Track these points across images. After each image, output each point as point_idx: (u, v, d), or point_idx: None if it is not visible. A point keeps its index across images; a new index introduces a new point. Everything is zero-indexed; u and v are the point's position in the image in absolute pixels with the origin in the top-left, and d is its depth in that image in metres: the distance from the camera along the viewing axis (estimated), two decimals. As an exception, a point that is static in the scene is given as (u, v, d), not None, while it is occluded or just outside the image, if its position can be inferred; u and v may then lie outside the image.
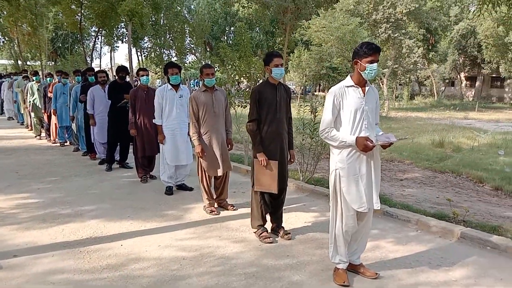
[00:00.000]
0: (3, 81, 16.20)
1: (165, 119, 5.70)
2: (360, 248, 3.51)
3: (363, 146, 3.09)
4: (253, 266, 3.67)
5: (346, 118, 3.21)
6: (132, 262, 3.69)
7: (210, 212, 5.06)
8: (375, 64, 3.14)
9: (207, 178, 5.09)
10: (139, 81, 6.67)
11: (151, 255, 3.85)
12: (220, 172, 5.00)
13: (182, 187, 6.09)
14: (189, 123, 5.23)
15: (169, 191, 5.89)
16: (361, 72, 3.18)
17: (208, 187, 5.12)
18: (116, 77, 7.30)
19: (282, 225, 4.44)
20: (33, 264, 3.63)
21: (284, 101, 4.22)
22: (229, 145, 5.20)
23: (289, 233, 4.31)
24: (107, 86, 7.42)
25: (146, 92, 6.41)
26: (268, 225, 4.41)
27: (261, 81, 10.25)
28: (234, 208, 5.22)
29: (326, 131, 3.24)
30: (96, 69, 9.09)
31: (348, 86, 3.24)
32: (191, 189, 6.05)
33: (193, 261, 3.75)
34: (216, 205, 5.22)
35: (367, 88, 3.26)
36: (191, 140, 5.45)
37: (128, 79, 8.29)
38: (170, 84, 5.69)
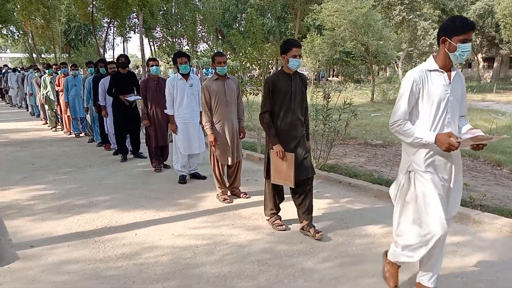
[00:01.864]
0: (30, 74, 16.05)
1: (176, 108, 5.69)
2: (436, 267, 2.82)
3: (447, 144, 2.48)
4: (266, 253, 3.66)
5: (426, 109, 2.64)
6: (146, 251, 3.72)
7: (223, 201, 5.06)
8: (469, 44, 2.54)
9: (220, 167, 5.08)
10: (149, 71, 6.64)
11: (164, 244, 3.87)
12: (231, 161, 5.00)
13: (195, 176, 6.11)
14: (201, 112, 5.20)
15: (182, 180, 5.91)
16: (450, 54, 2.58)
17: (220, 176, 5.12)
18: (119, 67, 7.13)
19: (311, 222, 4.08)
20: (48, 254, 3.69)
21: (300, 91, 4.02)
22: (242, 134, 5.17)
23: (321, 232, 3.93)
24: (111, 77, 7.22)
25: (157, 82, 6.41)
26: (282, 213, 4.38)
27: (273, 68, 10.17)
28: (247, 196, 5.22)
29: (398, 124, 2.67)
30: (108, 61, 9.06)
31: (431, 70, 2.66)
32: (204, 177, 6.07)
33: (206, 249, 3.76)
34: (229, 193, 5.22)
35: (453, 73, 2.66)
36: (203, 129, 5.45)
37: (140, 69, 8.20)
38: (180, 73, 5.67)
